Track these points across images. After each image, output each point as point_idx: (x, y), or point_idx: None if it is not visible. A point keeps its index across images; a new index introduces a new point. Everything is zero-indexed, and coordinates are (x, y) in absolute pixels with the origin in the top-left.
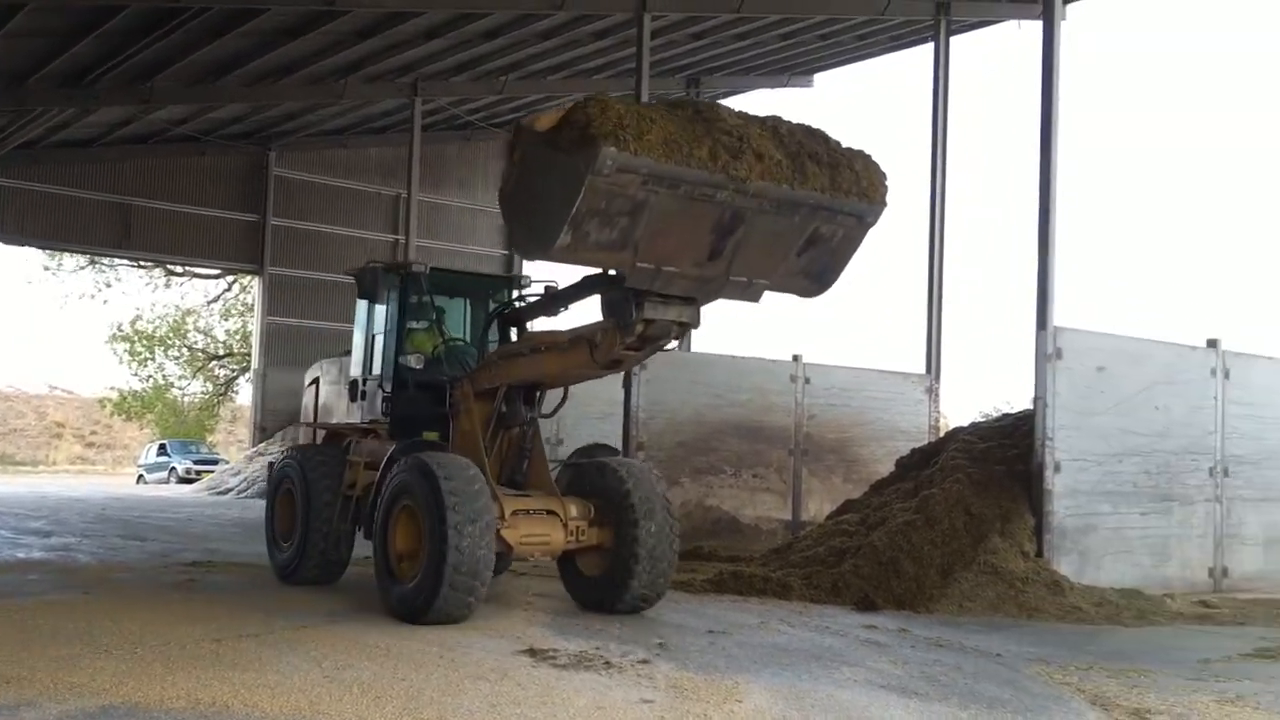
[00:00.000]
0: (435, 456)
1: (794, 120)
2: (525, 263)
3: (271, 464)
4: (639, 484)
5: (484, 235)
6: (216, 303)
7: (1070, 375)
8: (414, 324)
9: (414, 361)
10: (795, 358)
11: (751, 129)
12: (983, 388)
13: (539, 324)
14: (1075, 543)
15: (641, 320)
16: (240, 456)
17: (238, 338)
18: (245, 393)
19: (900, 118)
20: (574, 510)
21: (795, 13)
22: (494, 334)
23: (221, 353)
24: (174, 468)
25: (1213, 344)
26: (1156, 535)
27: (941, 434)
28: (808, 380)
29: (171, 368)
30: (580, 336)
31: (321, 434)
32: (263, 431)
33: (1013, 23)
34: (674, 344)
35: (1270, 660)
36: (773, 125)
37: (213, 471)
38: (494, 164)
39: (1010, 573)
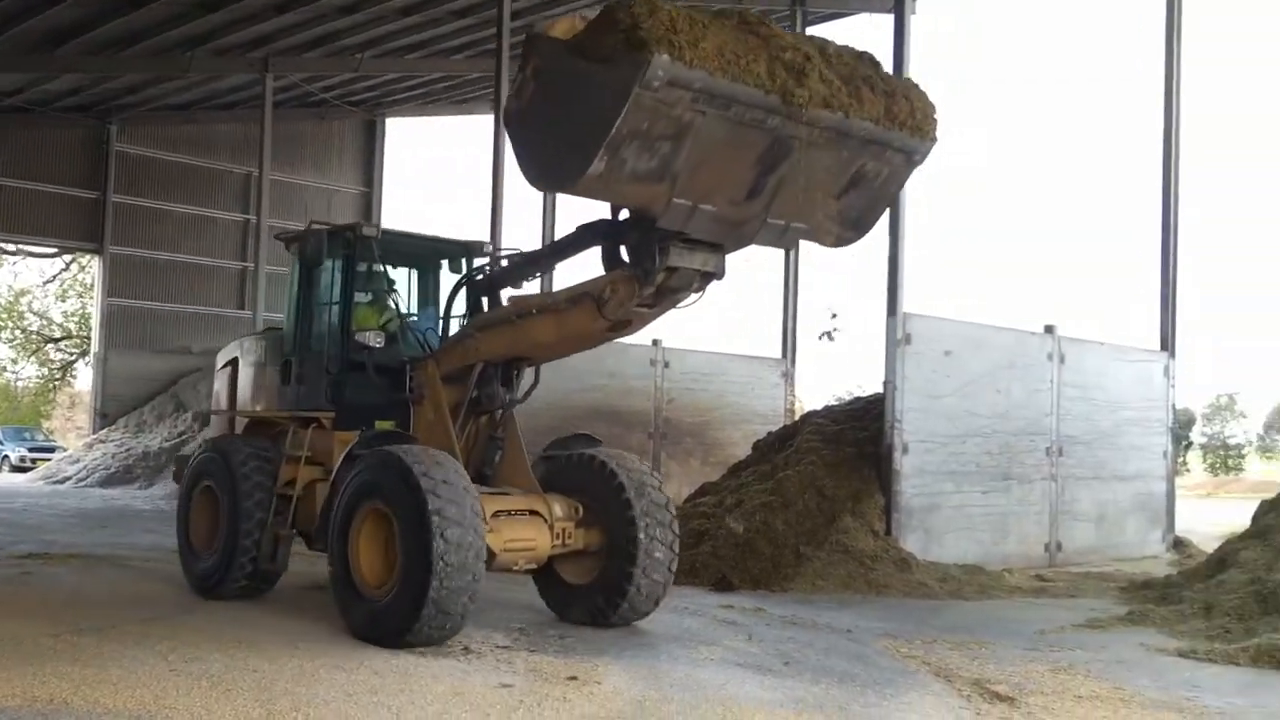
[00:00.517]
0: (410, 451)
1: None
2: (490, 229)
3: (182, 458)
4: (633, 477)
5: (340, 215)
6: (53, 283)
7: (918, 360)
8: (359, 296)
9: (373, 339)
10: (655, 342)
11: (807, 46)
12: (837, 372)
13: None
14: (921, 521)
15: (665, 268)
16: (79, 444)
17: (76, 320)
18: (85, 377)
19: None
20: (558, 510)
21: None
22: (458, 307)
23: (58, 335)
24: (7, 455)
25: (1050, 330)
26: (997, 513)
27: (797, 417)
28: (667, 364)
29: (4, 351)
30: (584, 294)
31: (242, 424)
32: (104, 418)
33: (866, 15)
34: (692, 298)
35: (1100, 630)
36: (820, 44)
37: (49, 459)
38: (351, 142)
39: (860, 551)
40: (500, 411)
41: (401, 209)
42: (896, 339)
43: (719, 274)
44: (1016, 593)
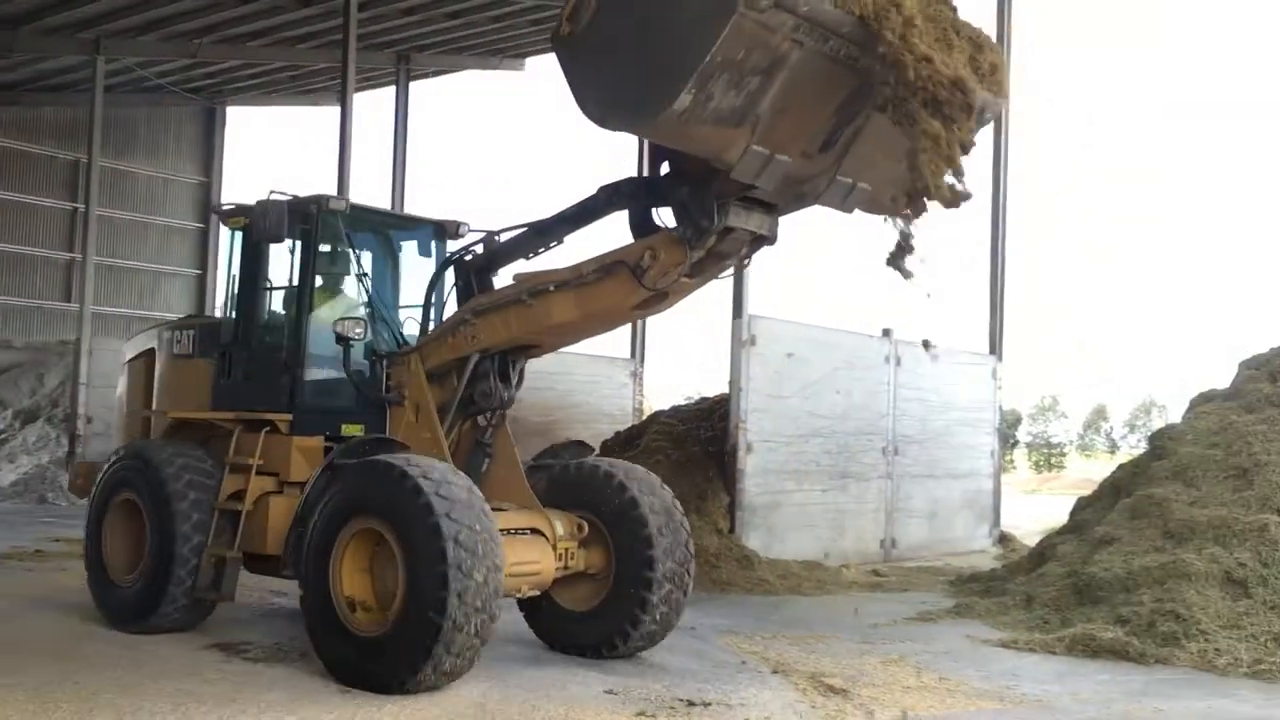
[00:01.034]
0: (415, 462)
1: None
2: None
3: (88, 465)
4: (646, 490)
5: (176, 206)
6: None
7: (763, 361)
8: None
9: (354, 331)
10: None
11: None
12: (684, 372)
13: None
14: (764, 519)
15: (722, 228)
16: None
17: None
18: None
19: None
20: (560, 527)
21: None
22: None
23: None
24: None
25: (887, 333)
26: (835, 510)
27: (644, 417)
28: None
29: None
30: (616, 262)
31: (163, 425)
32: None
33: None
34: (730, 271)
35: (929, 623)
36: None
37: None
38: (189, 130)
39: (705, 549)
40: (492, 413)
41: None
42: (741, 340)
43: (771, 238)
44: (853, 588)
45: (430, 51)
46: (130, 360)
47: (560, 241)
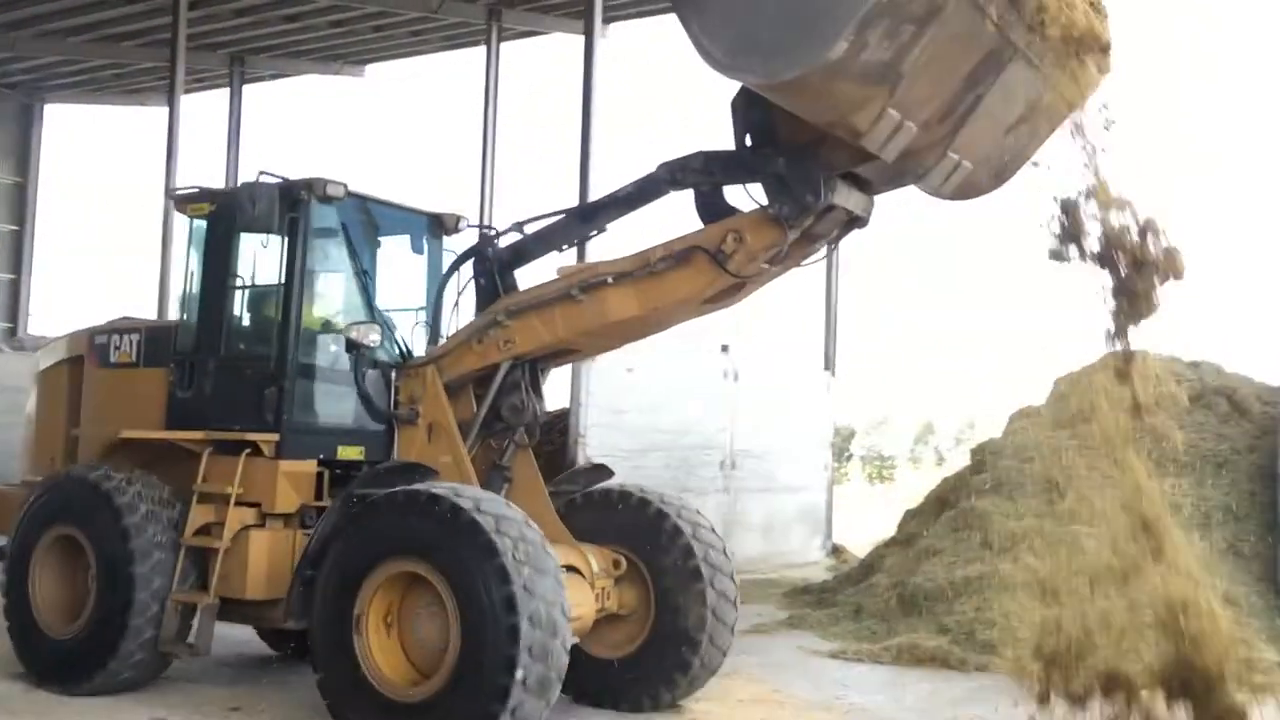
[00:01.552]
0: (461, 493)
1: None
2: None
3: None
4: (687, 518)
5: None
6: None
7: (602, 376)
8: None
9: (368, 337)
10: None
11: None
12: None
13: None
14: None
15: (825, 207)
16: None
17: None
18: None
19: (455, 114)
20: (595, 563)
21: (347, 1)
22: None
23: None
24: None
25: (725, 349)
26: None
27: None
28: None
29: None
30: (693, 248)
31: (99, 446)
32: None
33: (560, 35)
34: (816, 258)
35: (763, 634)
36: None
37: None
38: (3, 128)
39: None
40: (518, 432)
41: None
42: None
43: (866, 220)
44: None
45: (266, 55)
46: (46, 370)
47: (603, 229)
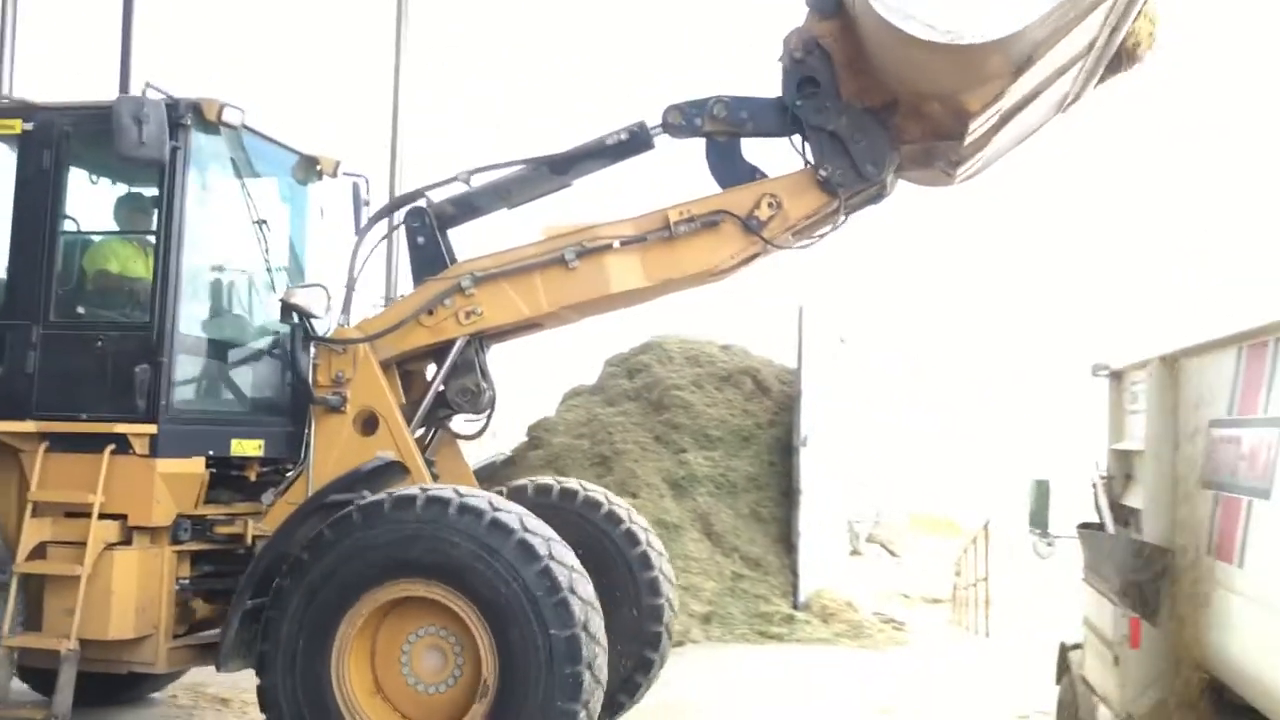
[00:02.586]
0: (496, 504)
1: None
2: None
3: None
4: (639, 520)
5: None
6: None
7: None
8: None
9: (315, 304)
10: None
11: None
12: None
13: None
14: None
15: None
16: None
17: None
18: None
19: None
20: None
21: None
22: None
23: None
24: None
25: None
26: None
27: None
28: None
29: None
30: (722, 211)
31: None
32: None
33: None
34: (821, 233)
35: None
36: None
37: None
38: None
39: None
40: (450, 421)
41: None
42: None
43: (884, 197)
44: None
45: None
46: None
47: (568, 185)
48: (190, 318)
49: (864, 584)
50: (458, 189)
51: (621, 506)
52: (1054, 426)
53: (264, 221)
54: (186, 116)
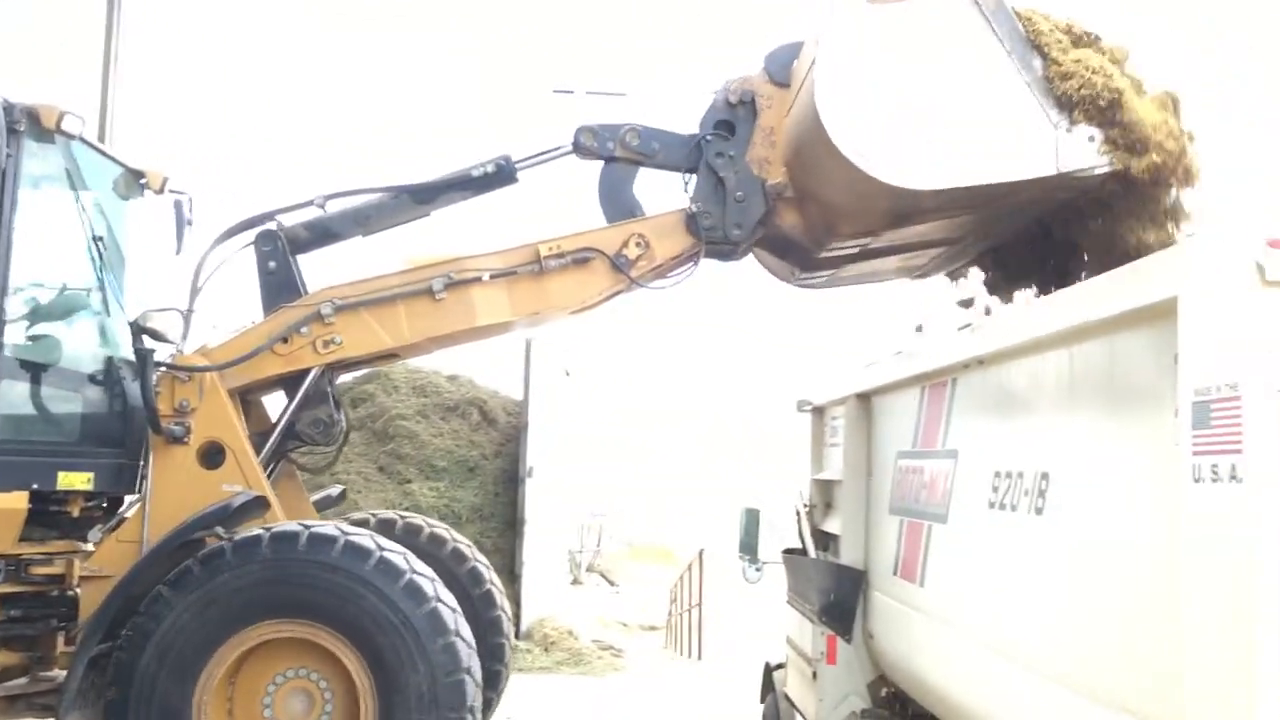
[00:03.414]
0: (383, 544)
1: None
2: None
3: None
4: (490, 572)
5: None
6: None
7: None
8: None
9: (171, 329)
10: None
11: None
12: None
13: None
14: None
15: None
16: None
17: None
18: None
19: None
20: None
21: None
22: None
23: None
24: None
25: None
26: None
27: None
28: None
29: None
30: (592, 248)
31: None
32: None
33: None
34: (679, 274)
35: None
36: None
37: None
38: None
39: None
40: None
41: None
42: None
43: (735, 258)
44: None
45: None
46: None
47: (427, 215)
48: (15, 339)
49: (585, 613)
50: (312, 213)
51: (463, 543)
52: (766, 459)
53: (99, 238)
54: (21, 122)
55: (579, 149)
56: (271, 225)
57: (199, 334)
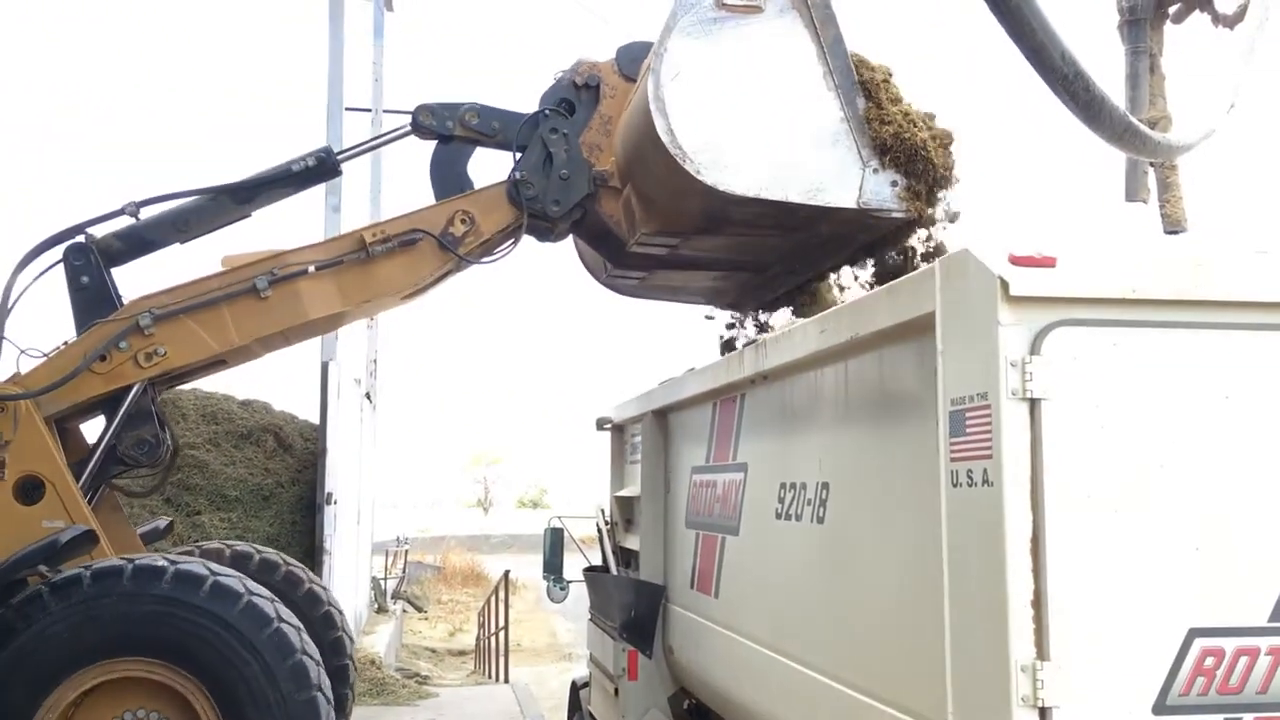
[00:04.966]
0: (218, 571)
1: None
2: None
3: None
4: (343, 618)
5: None
6: None
7: None
8: None
9: None
10: None
11: None
12: None
13: None
14: None
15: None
16: None
17: None
18: None
19: None
20: None
21: None
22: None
23: None
24: None
25: None
26: None
27: None
28: None
29: None
30: (417, 229)
31: None
32: None
33: None
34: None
35: None
36: None
37: None
38: None
39: None
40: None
41: None
42: None
43: (553, 238)
44: None
45: None
46: None
47: (248, 215)
48: None
49: (391, 641)
50: (125, 222)
51: (297, 567)
52: (569, 477)
53: None
54: None
55: (418, 128)
56: (81, 239)
57: (8, 363)
